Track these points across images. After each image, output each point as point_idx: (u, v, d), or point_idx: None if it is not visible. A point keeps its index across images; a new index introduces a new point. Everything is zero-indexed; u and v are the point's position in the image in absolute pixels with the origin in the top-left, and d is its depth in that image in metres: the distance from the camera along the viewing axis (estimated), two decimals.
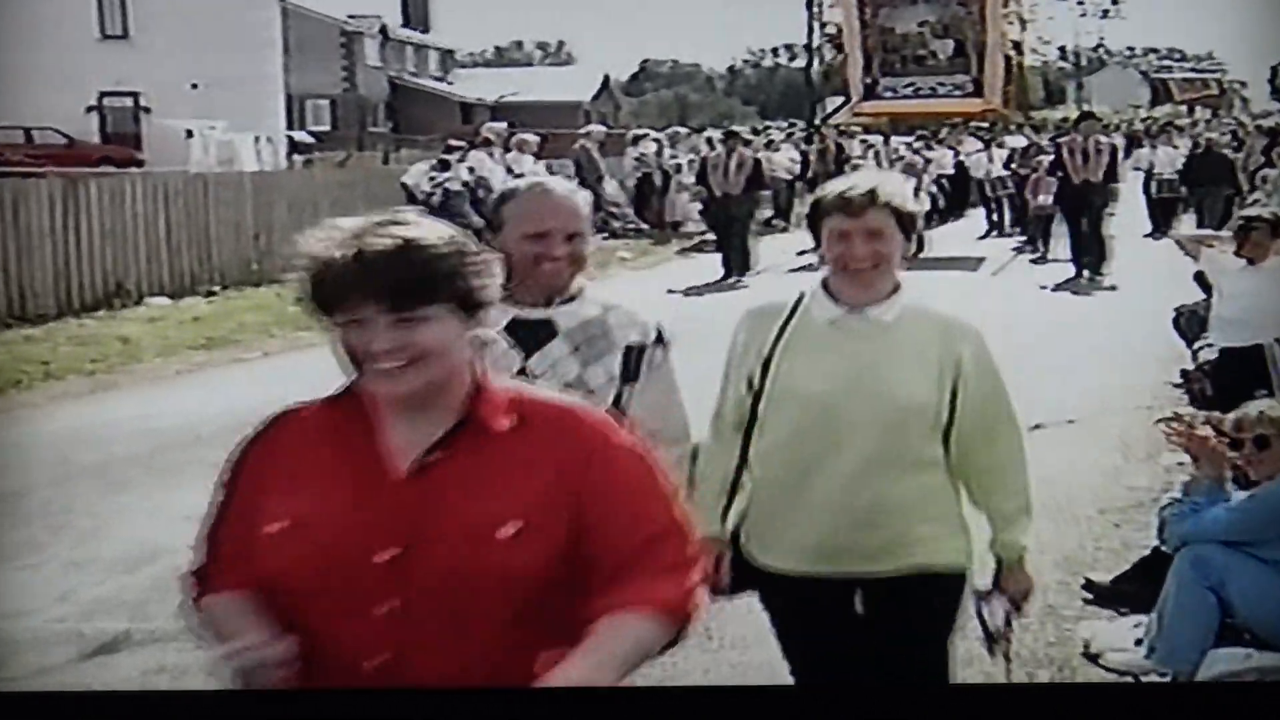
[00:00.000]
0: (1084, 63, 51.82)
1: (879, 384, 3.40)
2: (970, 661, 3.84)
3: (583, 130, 25.51)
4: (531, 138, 21.88)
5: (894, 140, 25.41)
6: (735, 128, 25.62)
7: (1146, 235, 20.98)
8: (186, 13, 34.67)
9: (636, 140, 24.99)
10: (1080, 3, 44.98)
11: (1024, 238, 21.14)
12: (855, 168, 20.81)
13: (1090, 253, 16.95)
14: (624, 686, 2.22)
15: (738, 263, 17.98)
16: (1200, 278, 9.05)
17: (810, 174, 22.94)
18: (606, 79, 55.04)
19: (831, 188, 3.48)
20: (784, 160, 25.46)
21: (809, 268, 4.22)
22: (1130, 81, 54.30)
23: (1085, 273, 16.85)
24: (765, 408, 3.48)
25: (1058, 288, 16.41)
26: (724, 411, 3.58)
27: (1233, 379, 7.65)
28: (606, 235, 22.62)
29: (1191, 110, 44.20)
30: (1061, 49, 49.47)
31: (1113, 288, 16.18)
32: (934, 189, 21.42)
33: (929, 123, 27.06)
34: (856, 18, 22.53)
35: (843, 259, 3.41)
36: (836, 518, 3.44)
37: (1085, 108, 53.17)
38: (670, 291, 15.88)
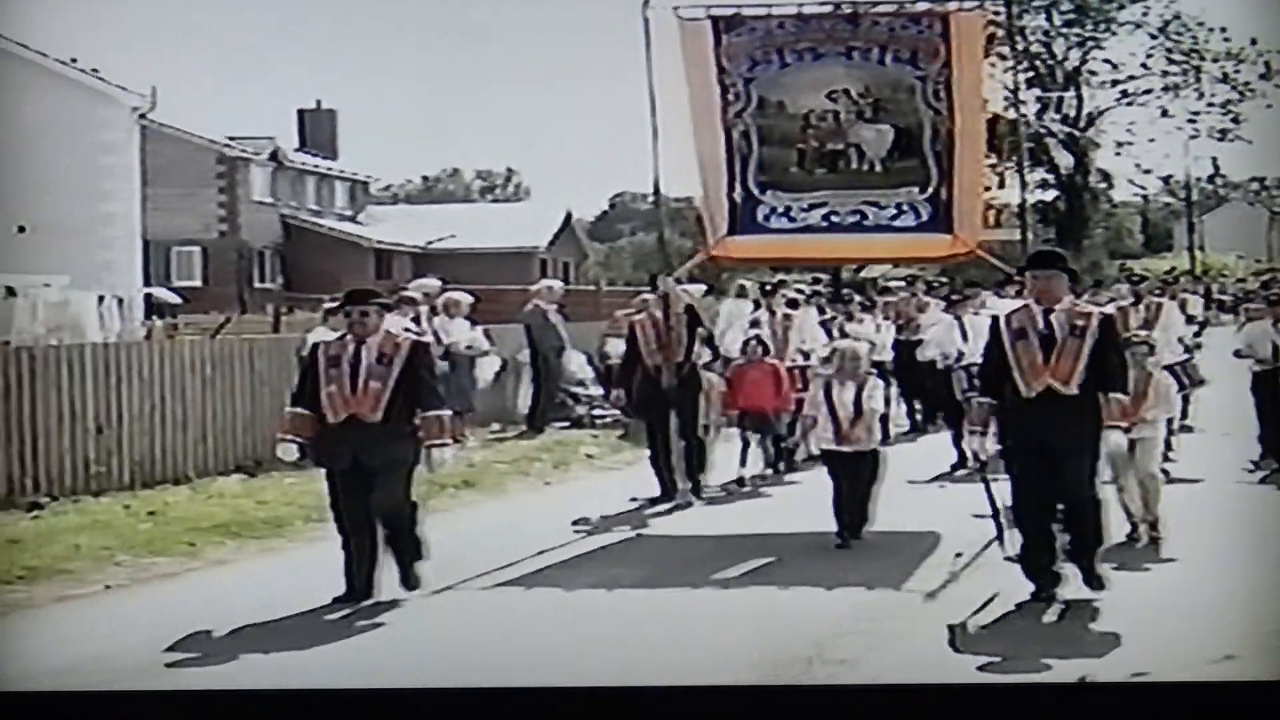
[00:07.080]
0: (1196, 197, 51.72)
1: None
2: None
3: (536, 286, 25.05)
4: (463, 297, 21.15)
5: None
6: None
7: (1262, 478, 17.27)
8: (9, 135, 33.72)
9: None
10: (1192, 120, 44.76)
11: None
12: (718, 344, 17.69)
13: (1083, 543, 11.13)
14: (624, 687, 3.00)
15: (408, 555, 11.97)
16: None
17: (629, 355, 17.34)
18: (568, 218, 55.76)
19: None
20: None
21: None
22: (1258, 222, 54.38)
23: (1048, 589, 10.94)
24: None
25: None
26: None
27: None
28: (568, 424, 22.71)
29: None
30: (1166, 179, 49.49)
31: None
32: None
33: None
34: (715, 82, 16.04)
35: None
36: None
37: (1199, 255, 53.30)
38: (633, 500, 16.42)
